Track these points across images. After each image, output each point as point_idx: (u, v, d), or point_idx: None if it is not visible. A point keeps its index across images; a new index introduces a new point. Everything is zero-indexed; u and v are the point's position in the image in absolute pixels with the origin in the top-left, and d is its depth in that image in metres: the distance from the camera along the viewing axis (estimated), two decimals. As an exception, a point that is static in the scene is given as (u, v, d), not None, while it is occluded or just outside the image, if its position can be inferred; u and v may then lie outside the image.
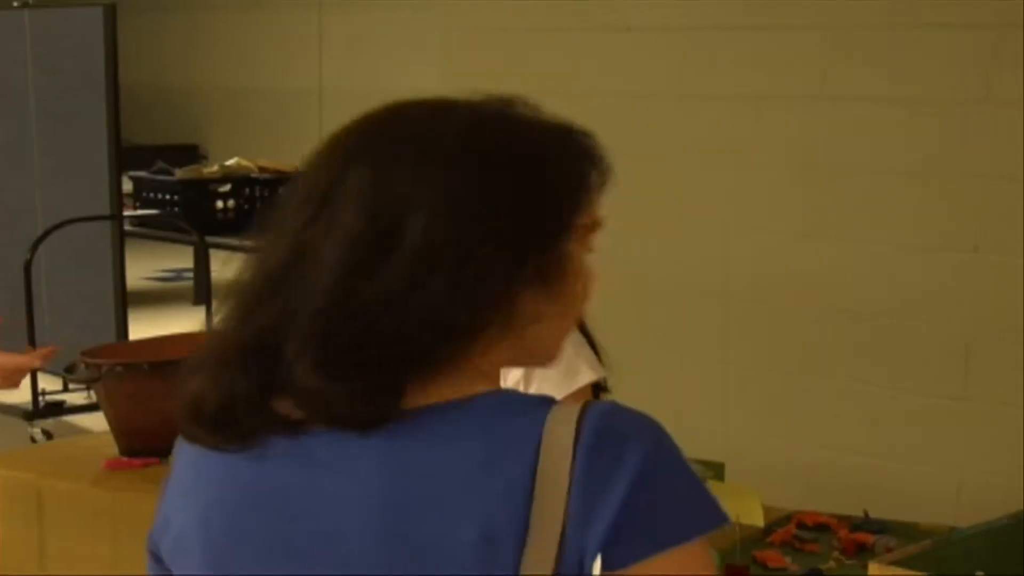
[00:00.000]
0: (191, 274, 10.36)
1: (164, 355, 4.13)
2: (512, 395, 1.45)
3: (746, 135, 4.54)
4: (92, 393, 4.19)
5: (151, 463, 3.84)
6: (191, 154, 12.35)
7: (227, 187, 8.04)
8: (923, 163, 4.19)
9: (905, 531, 3.30)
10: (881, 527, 3.32)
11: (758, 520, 3.26)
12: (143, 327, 7.03)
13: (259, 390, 1.43)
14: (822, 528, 3.34)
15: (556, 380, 2.60)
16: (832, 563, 3.13)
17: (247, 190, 8.06)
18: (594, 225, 1.51)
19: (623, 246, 4.78)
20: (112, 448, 3.90)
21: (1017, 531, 3.14)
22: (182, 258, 10.75)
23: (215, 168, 8.46)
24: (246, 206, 8.02)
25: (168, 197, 8.06)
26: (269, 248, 1.45)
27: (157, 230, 8.25)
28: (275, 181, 8.14)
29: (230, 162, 8.47)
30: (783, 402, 4.53)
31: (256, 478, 1.44)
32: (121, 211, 7.47)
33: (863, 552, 3.18)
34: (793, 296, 4.48)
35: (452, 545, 1.36)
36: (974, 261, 4.12)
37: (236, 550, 1.45)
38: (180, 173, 8.15)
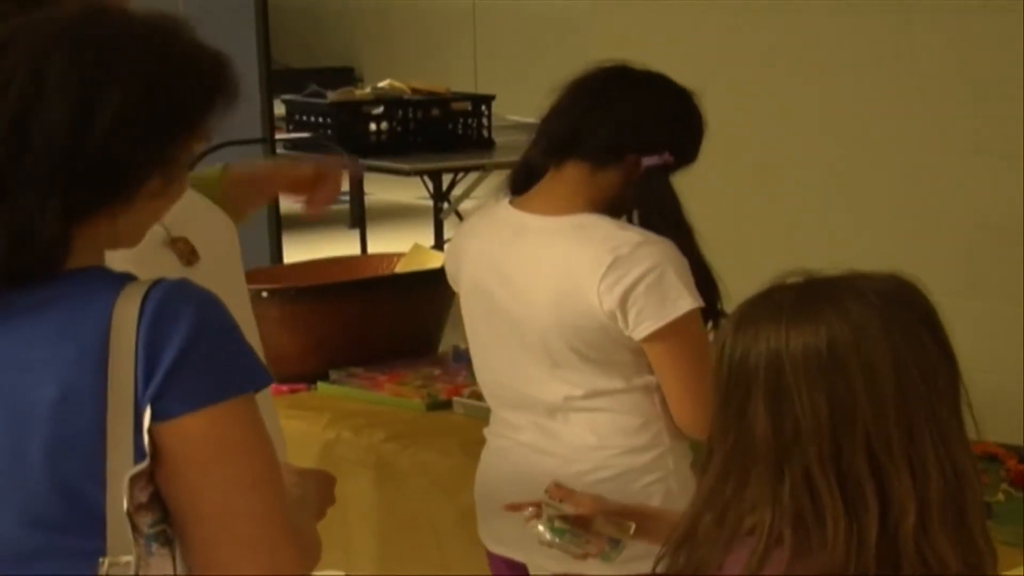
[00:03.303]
0: (347, 197, 10.35)
1: (312, 280, 4.10)
2: (97, 272, 1.69)
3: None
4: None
5: (298, 389, 3.82)
6: (346, 76, 12.31)
7: (379, 109, 7.99)
8: None
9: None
10: (1052, 458, 3.18)
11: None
12: (299, 251, 7.02)
13: None
14: (991, 458, 3.19)
15: (654, 309, 2.58)
16: (1001, 495, 3.01)
17: (400, 112, 7.98)
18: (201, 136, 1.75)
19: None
20: (260, 374, 3.87)
21: None
22: (338, 181, 10.72)
23: (367, 90, 8.42)
24: (399, 128, 7.96)
25: (321, 120, 8.03)
26: None
27: (310, 153, 8.22)
28: (428, 103, 8.06)
29: (382, 84, 8.42)
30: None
31: None
32: (273, 134, 7.45)
33: (1033, 484, 3.06)
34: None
35: (33, 401, 1.62)
36: None
37: None
38: (332, 96, 8.12)
